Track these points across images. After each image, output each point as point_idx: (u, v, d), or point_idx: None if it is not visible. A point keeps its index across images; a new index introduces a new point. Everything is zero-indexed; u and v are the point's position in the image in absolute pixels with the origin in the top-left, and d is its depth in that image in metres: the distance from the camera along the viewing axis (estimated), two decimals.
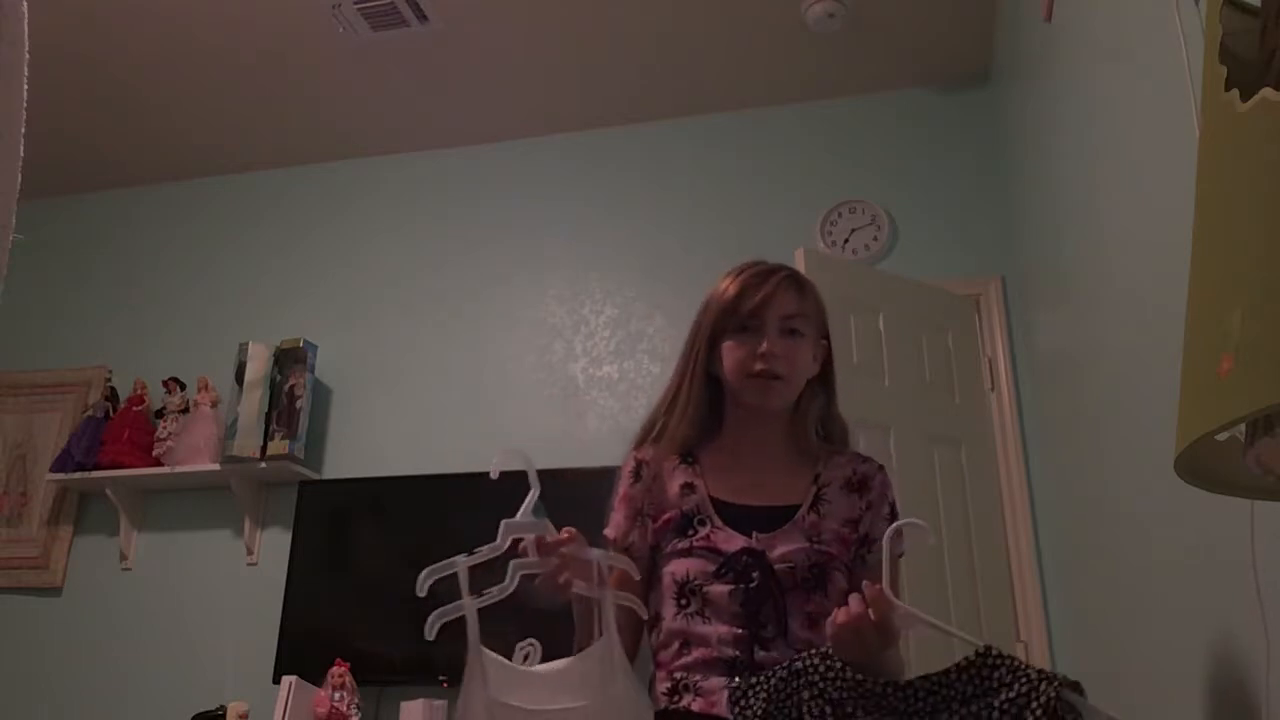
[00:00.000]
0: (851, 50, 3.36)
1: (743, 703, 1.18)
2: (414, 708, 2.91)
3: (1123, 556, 1.99)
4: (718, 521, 1.41)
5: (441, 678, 3.00)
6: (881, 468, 1.52)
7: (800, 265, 2.79)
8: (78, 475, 3.52)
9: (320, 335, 3.61)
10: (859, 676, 1.14)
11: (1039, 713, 1.03)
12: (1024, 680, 1.07)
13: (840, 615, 1.17)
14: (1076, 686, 1.08)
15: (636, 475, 1.51)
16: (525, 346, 3.57)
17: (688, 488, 1.45)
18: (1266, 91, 0.68)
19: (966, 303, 3.18)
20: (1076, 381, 2.37)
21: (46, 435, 3.80)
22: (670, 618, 1.40)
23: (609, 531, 1.51)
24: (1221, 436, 0.74)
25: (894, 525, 1.31)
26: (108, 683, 3.41)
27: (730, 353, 1.45)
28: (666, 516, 1.45)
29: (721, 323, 1.47)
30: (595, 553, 1.30)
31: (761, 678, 1.19)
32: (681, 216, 3.59)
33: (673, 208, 3.61)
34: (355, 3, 3.12)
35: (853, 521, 1.42)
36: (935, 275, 3.19)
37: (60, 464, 3.57)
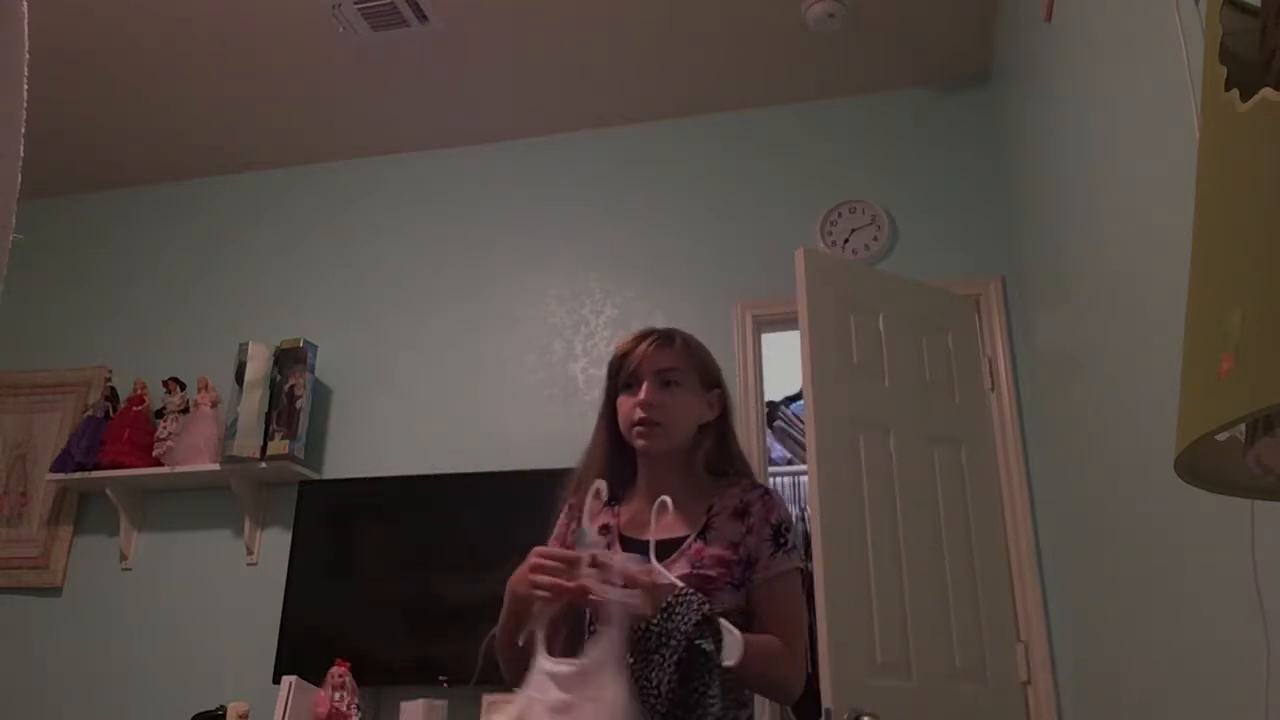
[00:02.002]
0: (851, 50, 3.36)
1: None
2: (414, 708, 2.91)
3: (1123, 556, 2.00)
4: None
5: (441, 678, 3.00)
6: (767, 492, 1.66)
7: (800, 265, 2.79)
8: (78, 475, 3.52)
9: (320, 335, 3.62)
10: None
11: (679, 639, 1.32)
12: (686, 611, 1.36)
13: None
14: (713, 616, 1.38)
15: (570, 517, 1.71)
16: (525, 346, 3.57)
17: (605, 528, 1.64)
18: (1266, 91, 0.68)
19: (966, 303, 3.18)
20: (1076, 381, 2.37)
21: (46, 435, 3.80)
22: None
23: None
24: (1221, 436, 0.74)
25: (659, 500, 1.51)
26: (108, 683, 3.41)
27: (621, 406, 1.68)
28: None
29: (612, 384, 1.72)
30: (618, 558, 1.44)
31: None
32: (681, 216, 3.59)
33: (673, 208, 3.61)
34: (355, 3, 3.13)
35: (734, 544, 1.56)
36: (935, 275, 3.20)
37: (60, 464, 3.57)
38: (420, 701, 2.91)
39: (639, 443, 1.64)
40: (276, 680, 3.00)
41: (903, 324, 2.96)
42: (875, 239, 3.36)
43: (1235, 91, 0.72)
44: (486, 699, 2.91)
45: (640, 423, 1.62)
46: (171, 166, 4.06)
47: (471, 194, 3.84)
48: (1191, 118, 1.26)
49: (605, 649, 1.33)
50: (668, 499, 1.49)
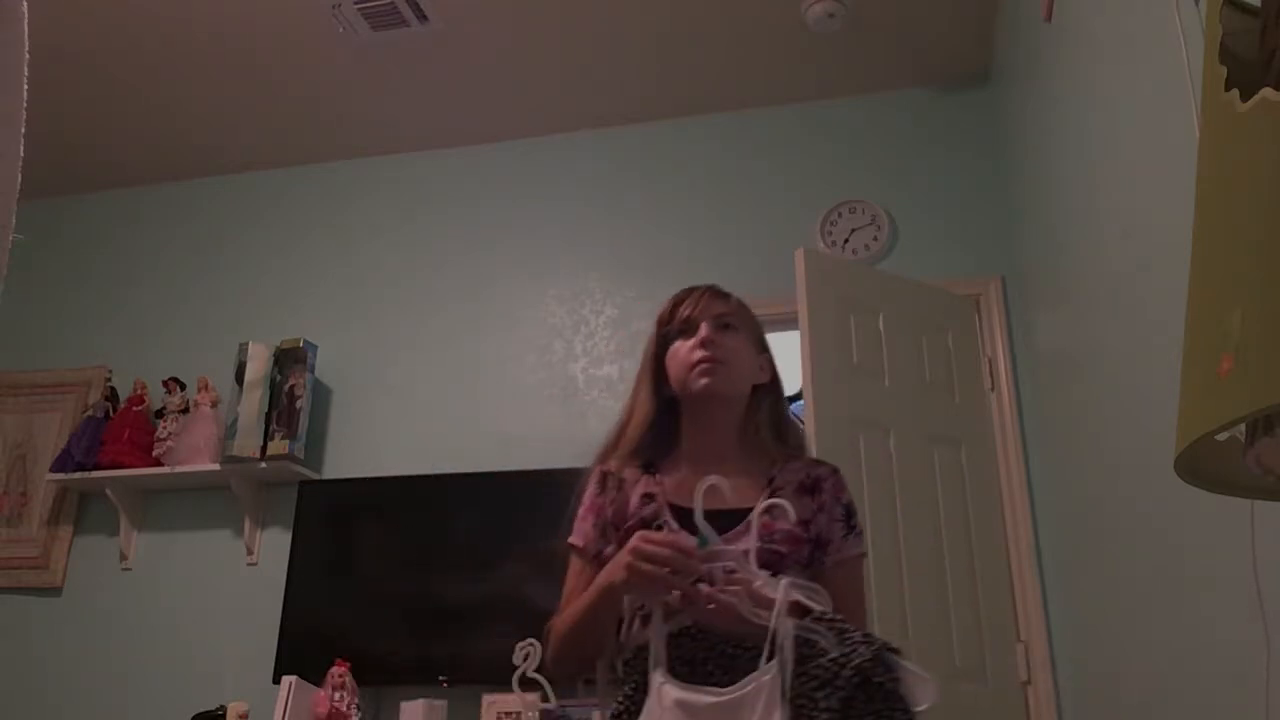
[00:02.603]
0: (851, 50, 3.36)
1: (631, 665, 1.32)
2: (414, 708, 2.91)
3: (1123, 556, 1.99)
4: (674, 525, 1.45)
5: (441, 678, 3.00)
6: (835, 470, 1.56)
7: (800, 265, 2.79)
8: (78, 475, 3.52)
9: (320, 335, 3.61)
10: (714, 638, 1.26)
11: (850, 673, 1.14)
12: (847, 643, 1.17)
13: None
14: (895, 650, 1.18)
15: (602, 486, 1.56)
16: (525, 346, 3.57)
17: (648, 497, 1.50)
18: (1266, 91, 0.68)
19: (966, 303, 3.18)
20: (1076, 381, 2.37)
21: (46, 435, 3.80)
22: (628, 624, 1.44)
23: (576, 540, 1.55)
24: (1221, 436, 0.74)
25: (708, 481, 1.31)
26: (108, 683, 3.41)
27: (674, 355, 1.56)
28: (629, 524, 1.49)
29: (663, 335, 1.59)
30: (784, 582, 1.26)
31: (658, 629, 1.28)
32: (681, 216, 3.59)
33: (673, 208, 3.61)
34: (355, 3, 3.12)
35: (804, 522, 1.45)
36: (935, 275, 3.19)
37: (60, 464, 3.57)
38: (420, 701, 2.91)
39: (700, 382, 1.50)
40: (276, 680, 3.00)
41: (903, 324, 2.96)
42: (875, 239, 3.36)
43: (1235, 91, 0.72)
44: (486, 699, 2.91)
45: (702, 360, 1.50)
46: (171, 166, 4.06)
47: (471, 194, 3.84)
48: (1191, 118, 1.26)
49: (763, 680, 1.16)
50: (719, 479, 1.30)
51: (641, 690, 1.30)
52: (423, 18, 3.19)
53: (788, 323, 3.01)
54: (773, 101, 3.63)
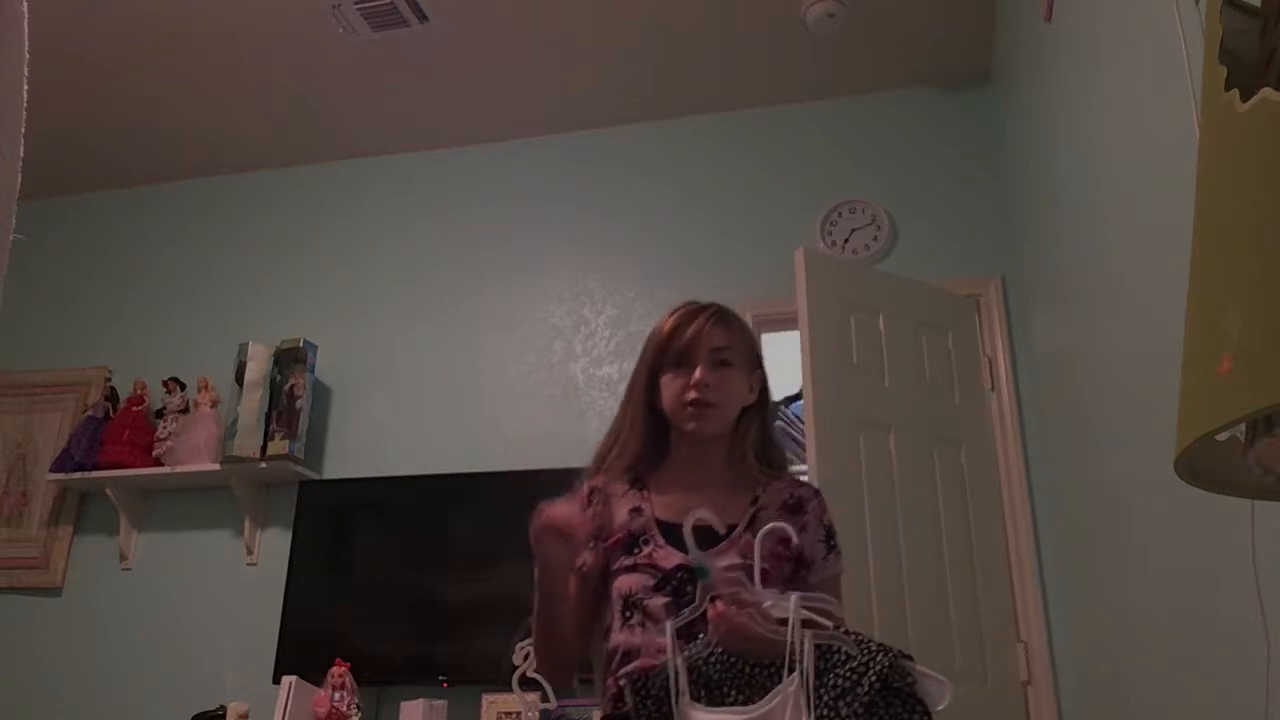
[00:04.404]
0: (851, 50, 3.36)
1: (642, 686, 1.32)
2: (414, 708, 2.91)
3: (1123, 556, 1.99)
4: (660, 540, 1.50)
5: (441, 678, 3.00)
6: (818, 493, 1.61)
7: (800, 265, 2.79)
8: (78, 475, 3.52)
9: (320, 335, 3.61)
10: (731, 659, 1.28)
11: (873, 679, 1.18)
12: (865, 652, 1.22)
13: (711, 612, 1.30)
14: (908, 656, 1.24)
15: (590, 501, 1.61)
16: (525, 346, 3.57)
17: (635, 510, 1.56)
18: (1266, 91, 0.68)
19: (966, 303, 3.18)
20: (1076, 381, 2.37)
21: (46, 435, 3.80)
22: (616, 630, 1.49)
23: None
24: (1221, 436, 0.74)
25: (694, 514, 1.36)
26: (108, 683, 3.41)
27: (668, 385, 1.58)
28: (615, 537, 1.54)
29: (659, 359, 1.60)
30: (794, 597, 1.30)
31: (659, 665, 1.30)
32: (681, 216, 3.59)
33: (673, 207, 3.61)
34: (355, 3, 3.12)
35: (786, 540, 1.47)
36: (935, 275, 3.19)
37: (60, 464, 3.57)
38: (420, 701, 2.91)
39: (689, 425, 1.55)
40: (276, 680, 3.00)
41: (903, 324, 2.96)
42: (875, 239, 3.36)
43: (1235, 91, 0.72)
44: (486, 699, 2.91)
45: (693, 403, 1.54)
46: (171, 166, 4.06)
47: (471, 194, 3.84)
48: (1191, 118, 1.26)
49: (789, 691, 1.19)
50: (706, 513, 1.37)
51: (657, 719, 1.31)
52: (423, 17, 3.19)
53: (788, 323, 3.02)
54: (773, 101, 3.63)
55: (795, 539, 1.43)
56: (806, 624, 1.26)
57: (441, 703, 2.95)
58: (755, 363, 1.64)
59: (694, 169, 3.65)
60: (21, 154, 0.83)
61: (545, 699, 2.67)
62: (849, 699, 1.18)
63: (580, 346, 3.53)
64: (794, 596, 1.27)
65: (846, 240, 3.39)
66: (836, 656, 1.23)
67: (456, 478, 3.30)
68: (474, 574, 3.10)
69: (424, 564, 3.21)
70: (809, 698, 1.18)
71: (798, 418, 4.42)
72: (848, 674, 1.20)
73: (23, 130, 0.83)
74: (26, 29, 0.85)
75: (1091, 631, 2.44)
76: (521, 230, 3.73)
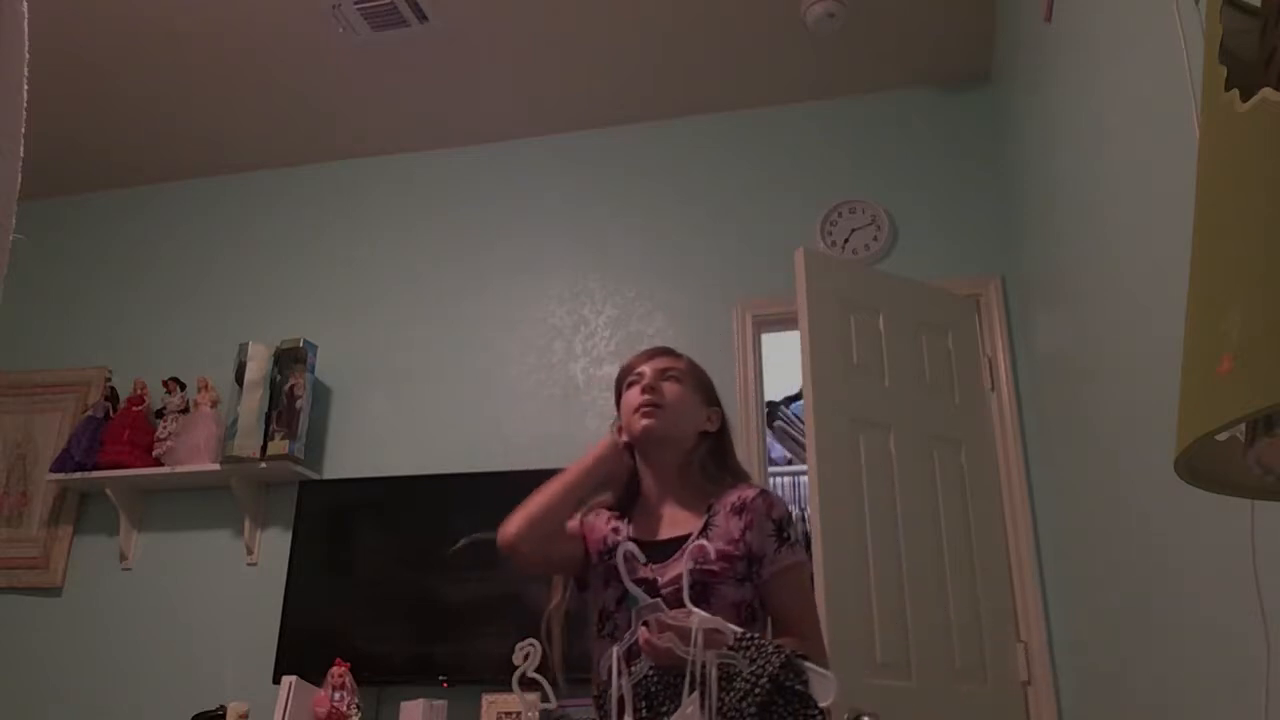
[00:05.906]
0: (851, 50, 3.36)
1: (602, 703, 1.52)
2: (414, 708, 2.91)
3: (1123, 556, 1.99)
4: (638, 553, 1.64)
5: (441, 678, 3.00)
6: (763, 491, 1.72)
7: (800, 265, 2.79)
8: (78, 475, 3.52)
9: (320, 335, 3.61)
10: (666, 675, 1.45)
11: (764, 681, 1.36)
12: (761, 655, 1.39)
13: (640, 639, 1.46)
14: (802, 656, 1.42)
15: (581, 519, 1.78)
16: (525, 346, 3.57)
17: (614, 530, 1.73)
18: (1266, 91, 0.68)
19: (966, 303, 3.18)
20: (1076, 381, 2.37)
21: (46, 435, 3.80)
22: (594, 637, 1.68)
23: None
24: (1221, 436, 0.74)
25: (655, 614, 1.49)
26: (108, 683, 3.41)
27: (624, 401, 1.77)
28: (600, 545, 1.73)
29: (620, 383, 1.82)
30: (694, 620, 1.45)
31: (617, 683, 1.48)
32: (681, 216, 3.59)
33: (673, 207, 3.61)
34: (355, 3, 3.12)
35: (734, 539, 1.62)
36: (935, 275, 3.20)
37: (60, 464, 3.57)
38: (420, 701, 2.91)
39: (642, 423, 1.70)
40: (276, 680, 3.00)
41: (903, 324, 2.96)
42: (875, 239, 3.36)
43: (1235, 91, 0.72)
44: (486, 699, 2.91)
45: (643, 404, 1.71)
46: (171, 166, 4.06)
47: (471, 194, 3.84)
48: (1191, 118, 1.26)
49: (687, 712, 1.35)
50: (632, 548, 1.55)
51: None
52: (423, 17, 3.19)
53: (788, 323, 3.02)
54: (773, 101, 3.63)
55: (712, 556, 1.55)
56: (713, 637, 1.41)
57: (441, 703, 2.96)
58: (712, 399, 1.81)
59: (694, 169, 3.65)
60: (21, 154, 0.84)
61: (545, 699, 2.66)
62: (748, 701, 1.35)
63: (580, 346, 3.53)
64: (695, 618, 1.42)
65: (846, 240, 3.39)
66: (748, 655, 1.40)
67: (457, 478, 3.30)
68: (474, 574, 3.10)
69: (424, 564, 3.21)
70: (711, 709, 1.35)
71: (798, 418, 4.43)
72: (749, 677, 1.37)
73: (23, 130, 0.84)
74: (26, 29, 0.85)
75: (1091, 631, 2.44)
76: (521, 230, 3.73)
